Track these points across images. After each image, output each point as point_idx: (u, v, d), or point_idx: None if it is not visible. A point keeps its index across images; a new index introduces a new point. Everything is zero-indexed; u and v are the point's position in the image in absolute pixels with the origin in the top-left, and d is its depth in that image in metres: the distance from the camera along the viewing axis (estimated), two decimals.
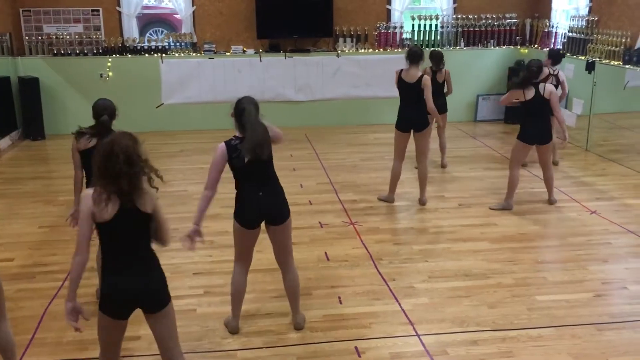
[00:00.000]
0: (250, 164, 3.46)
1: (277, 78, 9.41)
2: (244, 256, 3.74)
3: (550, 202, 6.05)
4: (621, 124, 8.45)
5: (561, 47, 8.92)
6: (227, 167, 3.57)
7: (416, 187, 6.25)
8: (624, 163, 7.39)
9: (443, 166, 7.41)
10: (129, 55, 9.21)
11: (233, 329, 3.79)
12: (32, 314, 4.03)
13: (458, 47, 9.78)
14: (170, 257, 4.92)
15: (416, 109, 5.82)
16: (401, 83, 5.86)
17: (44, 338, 3.76)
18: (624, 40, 7.59)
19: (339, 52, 9.53)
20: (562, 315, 3.98)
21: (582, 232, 5.37)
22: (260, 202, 3.57)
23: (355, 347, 3.63)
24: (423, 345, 3.66)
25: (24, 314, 4.01)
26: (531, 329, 3.81)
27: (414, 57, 5.76)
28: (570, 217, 5.75)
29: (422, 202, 6.11)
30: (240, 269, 3.74)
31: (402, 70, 5.87)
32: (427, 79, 5.78)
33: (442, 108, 7.24)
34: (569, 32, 8.79)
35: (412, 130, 5.91)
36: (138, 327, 3.84)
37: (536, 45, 9.63)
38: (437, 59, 6.96)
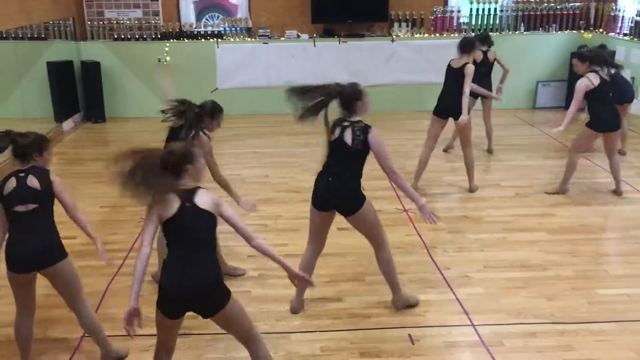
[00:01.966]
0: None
1: (331, 63, 9.36)
2: (314, 238, 3.84)
3: (617, 192, 5.83)
4: None
5: (628, 32, 8.53)
6: None
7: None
8: None
9: (490, 152, 7.26)
10: (186, 40, 9.36)
11: (293, 309, 3.87)
12: (96, 290, 4.18)
13: (517, 32, 9.49)
14: (225, 240, 5.00)
15: (454, 96, 5.73)
16: (447, 68, 5.85)
17: (107, 313, 3.90)
18: None
19: (394, 37, 9.40)
20: (624, 310, 3.85)
21: None
22: (327, 187, 3.67)
23: (409, 335, 3.61)
24: (478, 335, 3.60)
25: (88, 290, 4.13)
26: (592, 323, 3.70)
27: (462, 45, 5.78)
28: (634, 209, 5.53)
29: (471, 189, 6.02)
30: (310, 252, 3.85)
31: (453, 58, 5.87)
32: (469, 67, 5.68)
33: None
34: (637, 16, 8.38)
35: (449, 118, 5.85)
36: None
37: (601, 30, 9.24)
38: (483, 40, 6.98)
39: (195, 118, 4.07)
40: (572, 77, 9.29)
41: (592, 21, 9.52)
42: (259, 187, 6.24)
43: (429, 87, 9.30)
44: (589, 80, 5.45)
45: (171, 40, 9.30)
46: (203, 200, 2.77)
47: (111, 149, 8.11)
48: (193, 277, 2.68)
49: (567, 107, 9.41)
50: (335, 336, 3.62)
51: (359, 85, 3.64)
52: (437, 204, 5.78)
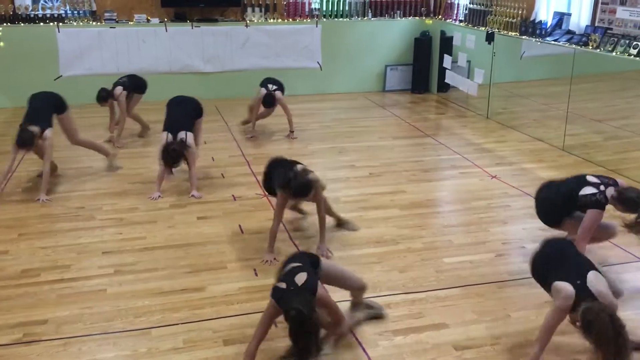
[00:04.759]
0: None
1: (185, 49, 9.13)
2: None
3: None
4: (518, 92, 8.93)
5: (463, 19, 9.22)
6: None
7: (327, 158, 6.30)
8: (521, 130, 7.82)
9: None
10: (22, 24, 8.60)
11: None
12: None
13: (366, 18, 9.87)
14: (77, 237, 4.74)
15: None
16: None
17: None
18: (520, 12, 7.96)
19: (248, 22, 9.37)
20: (466, 275, 4.20)
21: (484, 196, 5.66)
22: None
23: None
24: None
25: None
26: (439, 290, 4.00)
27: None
28: (473, 182, 6.03)
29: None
30: None
31: None
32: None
33: None
34: (470, 3, 9.09)
35: None
36: (45, 310, 3.70)
37: (440, 17, 9.90)
38: None
39: None
40: (416, 61, 9.93)
41: (432, 8, 10.17)
42: (113, 179, 5.96)
43: (283, 72, 9.43)
44: None
45: (4, 24, 8.49)
46: None
47: None
48: None
49: (413, 90, 10.06)
50: (198, 327, 3.58)
51: None
52: None
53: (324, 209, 4.53)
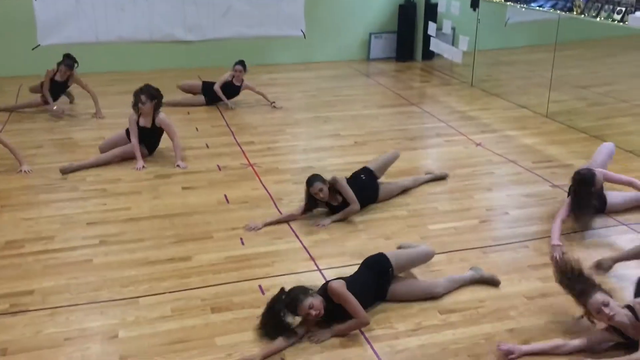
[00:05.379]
0: None
1: (165, 17, 8.94)
2: None
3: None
4: (503, 59, 8.92)
5: None
6: None
7: (312, 127, 6.28)
8: (505, 97, 7.83)
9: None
10: None
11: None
12: None
13: None
14: (61, 208, 4.70)
15: None
16: None
17: None
18: None
19: None
20: (451, 241, 4.25)
21: (468, 163, 5.68)
22: None
23: (259, 286, 3.69)
24: (324, 278, 3.77)
25: None
26: None
27: None
28: (457, 150, 6.05)
29: None
30: None
31: None
32: None
33: None
34: None
35: None
36: (30, 281, 3.69)
37: None
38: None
39: None
40: (401, 29, 9.85)
41: None
42: (95, 150, 5.88)
43: (267, 41, 9.33)
44: None
45: None
46: None
47: None
48: None
49: (397, 58, 9.99)
50: (186, 295, 3.59)
51: None
52: (283, 156, 5.88)
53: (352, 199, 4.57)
